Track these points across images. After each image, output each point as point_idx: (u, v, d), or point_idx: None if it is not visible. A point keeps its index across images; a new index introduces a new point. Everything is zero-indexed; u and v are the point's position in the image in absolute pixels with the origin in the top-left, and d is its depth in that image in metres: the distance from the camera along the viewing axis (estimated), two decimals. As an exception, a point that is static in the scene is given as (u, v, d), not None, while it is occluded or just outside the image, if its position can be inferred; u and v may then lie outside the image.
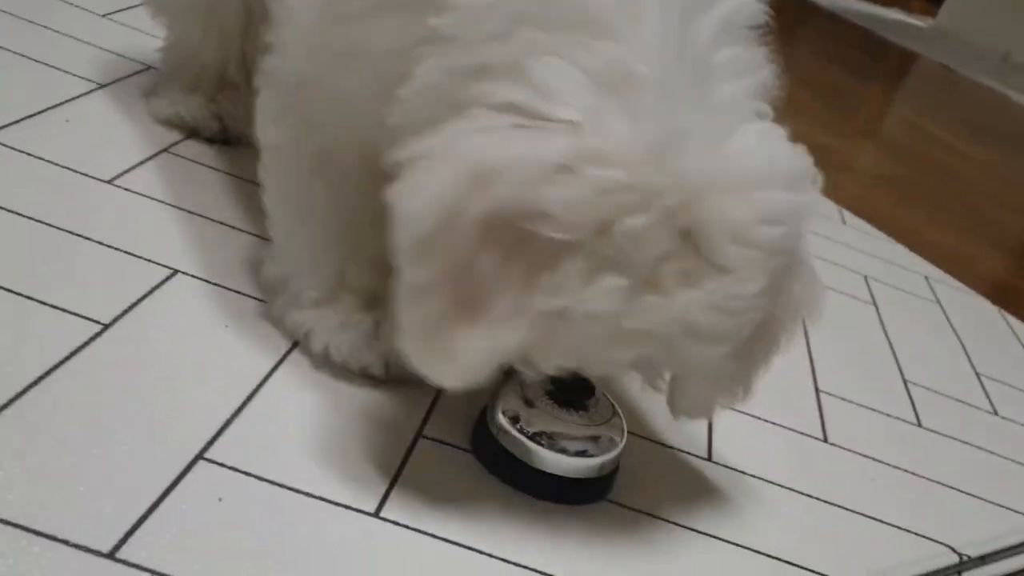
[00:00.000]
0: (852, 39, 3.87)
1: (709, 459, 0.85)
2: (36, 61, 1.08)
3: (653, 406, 0.88)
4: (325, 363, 0.78)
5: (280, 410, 0.72)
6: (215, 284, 0.83)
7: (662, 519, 0.75)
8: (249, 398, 0.71)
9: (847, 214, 1.64)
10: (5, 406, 0.63)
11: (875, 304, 1.31)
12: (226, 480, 0.64)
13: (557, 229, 0.56)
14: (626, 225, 0.56)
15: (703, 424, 0.89)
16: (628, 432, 0.76)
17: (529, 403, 0.73)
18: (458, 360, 0.58)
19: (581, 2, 0.59)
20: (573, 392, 0.74)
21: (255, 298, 0.83)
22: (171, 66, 1.10)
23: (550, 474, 0.72)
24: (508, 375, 0.74)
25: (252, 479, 0.65)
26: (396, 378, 0.77)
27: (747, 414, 0.93)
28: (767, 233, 0.59)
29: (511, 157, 0.56)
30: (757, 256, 0.59)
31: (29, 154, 0.91)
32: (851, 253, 1.46)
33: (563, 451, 0.72)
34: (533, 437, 0.71)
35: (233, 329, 0.79)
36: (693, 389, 0.70)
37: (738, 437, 0.89)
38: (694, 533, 0.75)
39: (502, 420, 0.72)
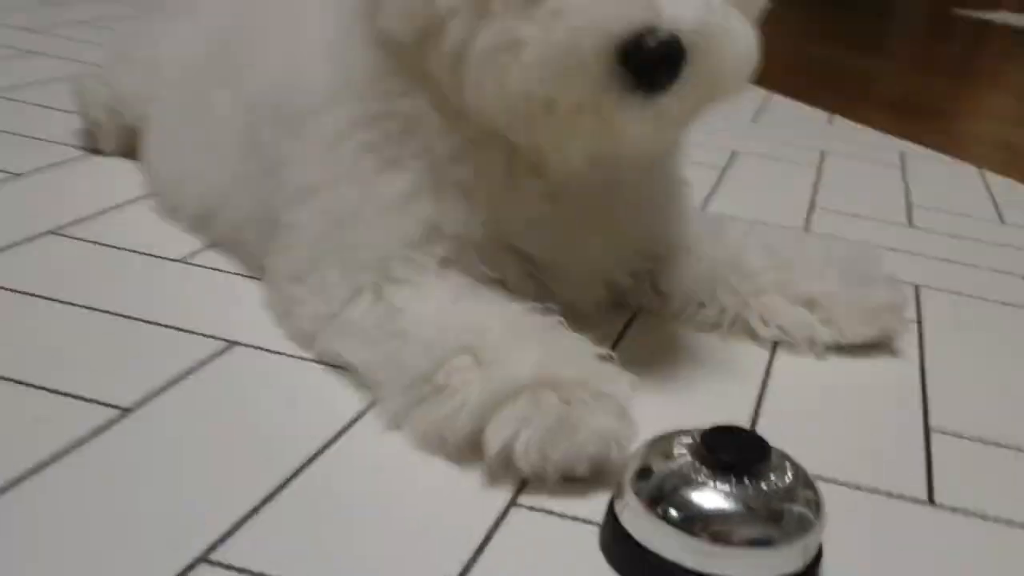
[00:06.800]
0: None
1: (930, 502, 0.62)
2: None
3: (839, 443, 0.67)
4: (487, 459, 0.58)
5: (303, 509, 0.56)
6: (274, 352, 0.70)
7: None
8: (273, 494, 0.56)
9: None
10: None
11: None
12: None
13: None
14: None
15: (918, 456, 0.66)
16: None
17: (675, 476, 0.52)
18: None
19: None
20: (738, 451, 0.52)
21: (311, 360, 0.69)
22: None
23: None
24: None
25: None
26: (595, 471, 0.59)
27: (976, 439, 0.69)
28: None
29: None
30: None
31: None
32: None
33: (728, 541, 0.50)
34: (683, 524, 0.51)
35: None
36: None
37: (966, 469, 0.66)
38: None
39: (637, 504, 0.52)
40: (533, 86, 0.59)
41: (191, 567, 0.48)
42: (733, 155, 1.36)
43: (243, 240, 0.81)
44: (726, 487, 0.51)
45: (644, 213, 0.78)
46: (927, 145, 1.57)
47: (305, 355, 0.69)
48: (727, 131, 1.46)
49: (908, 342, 0.83)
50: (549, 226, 0.72)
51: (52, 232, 0.85)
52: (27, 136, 1.08)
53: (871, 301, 0.79)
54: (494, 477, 0.58)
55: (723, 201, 1.16)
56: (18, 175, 0.97)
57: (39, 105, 1.19)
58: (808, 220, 1.13)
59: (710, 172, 1.26)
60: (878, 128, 1.64)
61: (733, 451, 0.52)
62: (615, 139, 0.63)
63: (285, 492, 0.55)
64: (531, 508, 0.56)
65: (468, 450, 0.59)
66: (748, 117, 1.61)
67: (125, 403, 0.61)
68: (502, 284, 0.70)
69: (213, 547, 0.50)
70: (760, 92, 1.76)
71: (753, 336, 0.80)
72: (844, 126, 1.65)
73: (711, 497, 0.51)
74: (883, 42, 2.99)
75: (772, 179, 1.30)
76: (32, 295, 0.74)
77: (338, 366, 0.68)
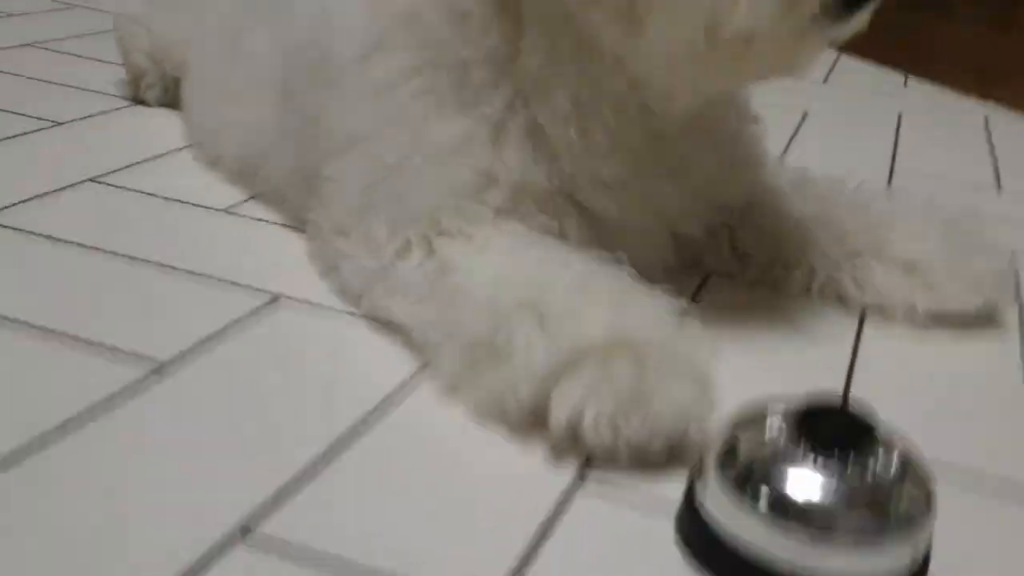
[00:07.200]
0: None
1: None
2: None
3: (941, 422, 0.60)
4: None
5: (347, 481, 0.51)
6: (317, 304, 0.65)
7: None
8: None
9: None
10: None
11: None
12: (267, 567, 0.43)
13: None
14: None
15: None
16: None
17: (770, 458, 0.45)
18: None
19: None
20: (840, 429, 0.46)
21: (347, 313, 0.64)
22: None
23: None
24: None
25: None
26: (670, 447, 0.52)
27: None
28: None
29: None
30: None
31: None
32: None
33: (830, 538, 0.43)
34: (776, 514, 0.44)
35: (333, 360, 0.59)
36: None
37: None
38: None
39: (721, 489, 0.46)
40: (758, 21, 0.55)
41: (227, 542, 0.43)
42: (805, 116, 1.29)
43: (285, 195, 0.76)
44: (832, 475, 0.44)
45: (714, 152, 0.70)
46: (1012, 108, 1.48)
47: (354, 310, 0.65)
48: (797, 91, 1.38)
49: (1008, 314, 0.76)
50: (619, 179, 0.66)
51: (91, 180, 0.81)
52: (70, 86, 1.04)
53: (975, 267, 0.72)
54: (558, 452, 0.52)
55: (796, 162, 1.08)
56: (59, 123, 0.93)
57: (84, 56, 1.15)
58: (890, 183, 1.06)
59: (782, 131, 1.19)
60: (957, 90, 1.55)
61: (834, 428, 0.46)
62: (785, 67, 0.61)
63: (330, 459, 0.50)
64: (600, 483, 0.51)
65: (530, 421, 0.53)
66: (819, 78, 1.53)
67: (162, 357, 0.57)
68: (562, 237, 0.64)
69: (252, 518, 0.45)
70: (829, 52, 1.68)
71: (844, 302, 0.73)
72: (920, 88, 1.56)
73: (809, 483, 0.44)
74: (955, 3, 2.87)
75: (848, 140, 1.23)
76: (69, 242, 0.70)
77: (387, 324, 0.62)
